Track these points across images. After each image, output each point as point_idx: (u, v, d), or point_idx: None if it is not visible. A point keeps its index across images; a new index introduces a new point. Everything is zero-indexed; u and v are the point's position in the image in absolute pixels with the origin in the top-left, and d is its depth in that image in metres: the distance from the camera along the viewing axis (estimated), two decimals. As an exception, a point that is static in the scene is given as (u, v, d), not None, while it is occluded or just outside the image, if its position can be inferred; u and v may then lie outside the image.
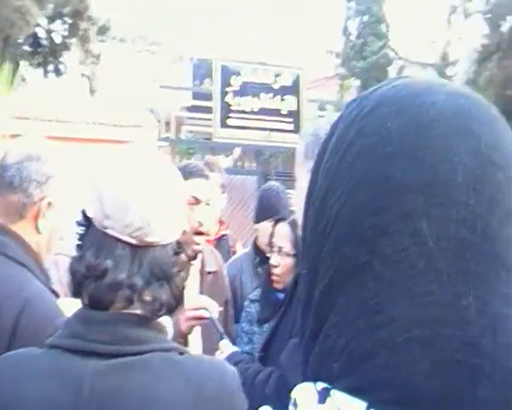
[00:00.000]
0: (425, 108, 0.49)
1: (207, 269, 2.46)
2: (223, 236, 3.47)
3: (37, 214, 1.57)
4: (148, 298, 1.07)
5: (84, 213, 1.11)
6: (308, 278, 0.53)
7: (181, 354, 1.08)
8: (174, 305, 1.11)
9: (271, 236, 2.45)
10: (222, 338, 2.11)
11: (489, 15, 13.93)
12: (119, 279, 1.05)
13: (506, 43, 13.46)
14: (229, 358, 1.84)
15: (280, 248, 2.32)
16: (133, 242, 1.07)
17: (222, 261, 2.74)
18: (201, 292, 2.39)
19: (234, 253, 3.53)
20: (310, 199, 0.55)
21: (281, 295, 2.34)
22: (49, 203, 1.58)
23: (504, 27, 13.81)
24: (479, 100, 0.52)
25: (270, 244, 2.44)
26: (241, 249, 3.74)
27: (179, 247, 1.12)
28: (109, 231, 1.08)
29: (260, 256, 2.94)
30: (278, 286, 2.36)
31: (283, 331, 1.66)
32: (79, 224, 1.11)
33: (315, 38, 21.62)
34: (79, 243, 1.11)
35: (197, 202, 2.31)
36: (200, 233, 2.30)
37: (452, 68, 18.76)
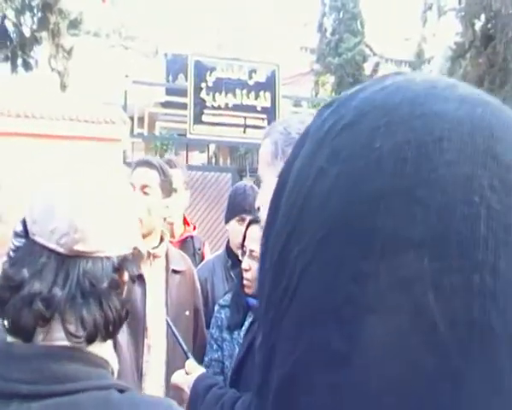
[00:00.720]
0: (429, 122, 0.34)
1: (174, 267, 2.37)
2: (188, 237, 3.31)
3: None
4: (71, 317, 0.92)
5: (23, 221, 0.98)
6: (264, 354, 0.38)
7: (121, 391, 0.93)
8: (106, 330, 0.95)
9: (243, 238, 2.34)
10: (187, 357, 1.99)
11: (462, 13, 14.03)
12: (35, 290, 0.91)
13: (479, 41, 13.56)
14: (199, 381, 1.73)
15: (251, 251, 2.21)
16: (60, 250, 0.94)
17: (191, 264, 2.64)
18: (167, 291, 2.30)
19: (201, 255, 3.40)
20: (266, 244, 0.40)
21: (252, 301, 2.24)
22: None
23: (477, 25, 13.93)
24: (501, 108, 0.36)
25: (242, 247, 2.32)
26: (209, 252, 3.61)
27: (121, 263, 0.98)
28: (36, 238, 0.95)
29: (232, 259, 2.82)
30: (249, 291, 2.25)
31: (253, 356, 1.53)
32: (17, 234, 0.96)
33: (290, 34, 21.57)
34: (12, 254, 0.96)
35: (133, 188, 2.26)
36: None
37: (427, 66, 18.90)
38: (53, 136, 8.38)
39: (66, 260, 0.93)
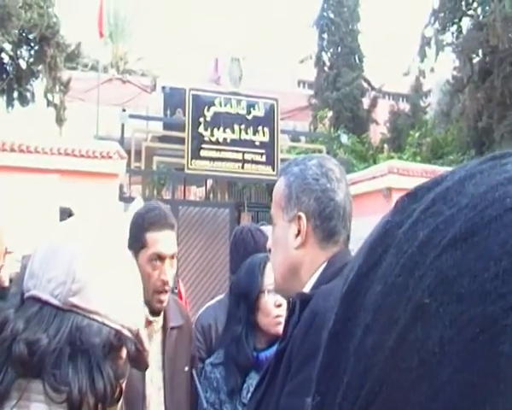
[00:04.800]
0: None
1: (172, 324, 2.17)
2: None
3: None
4: (54, 378, 0.79)
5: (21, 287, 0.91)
6: None
7: None
8: (94, 405, 0.82)
9: (261, 275, 2.17)
10: None
11: (460, 49, 14.09)
12: (17, 329, 0.82)
13: (477, 76, 13.59)
14: None
15: None
16: (54, 301, 0.86)
17: (188, 314, 2.46)
18: (165, 350, 2.11)
19: (177, 294, 3.26)
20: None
21: (263, 355, 2.07)
22: None
23: (475, 60, 13.97)
24: None
25: (257, 286, 2.16)
26: (183, 290, 3.49)
27: (120, 336, 0.89)
28: (31, 293, 0.87)
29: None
30: (281, 330, 2.07)
31: None
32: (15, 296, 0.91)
33: (287, 69, 21.66)
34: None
35: (161, 258, 2.02)
36: (164, 292, 2.03)
37: (425, 100, 18.98)
38: (49, 170, 8.24)
39: (60, 313, 0.85)
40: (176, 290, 3.32)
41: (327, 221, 1.38)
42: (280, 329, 2.08)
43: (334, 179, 1.40)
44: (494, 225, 0.28)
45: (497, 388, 0.25)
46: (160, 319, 2.12)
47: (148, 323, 2.05)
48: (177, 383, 2.10)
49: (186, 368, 2.18)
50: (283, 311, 2.09)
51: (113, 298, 0.89)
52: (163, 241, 2.03)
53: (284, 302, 2.06)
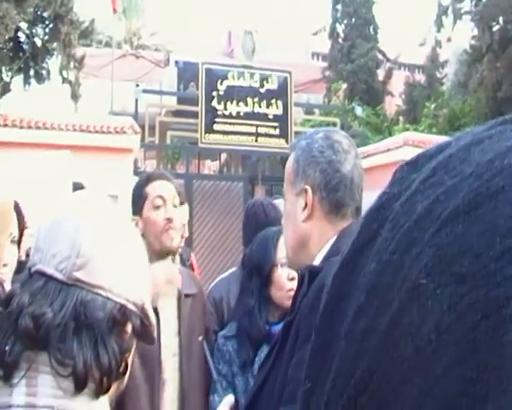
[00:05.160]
0: None
1: (186, 292, 2.20)
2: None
3: None
4: (59, 351, 0.81)
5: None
6: None
7: None
8: (99, 379, 0.83)
9: (274, 248, 2.18)
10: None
11: (478, 17, 13.81)
12: (23, 302, 0.83)
13: (497, 45, 13.33)
14: None
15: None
16: (58, 276, 0.86)
17: (201, 284, 2.50)
18: (179, 317, 2.14)
19: (190, 267, 3.29)
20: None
21: (275, 328, 2.07)
22: None
23: (495, 28, 13.70)
24: None
25: (270, 259, 2.17)
26: (195, 262, 3.51)
27: (125, 311, 0.89)
28: (36, 267, 0.88)
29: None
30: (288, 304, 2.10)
31: (270, 390, 1.36)
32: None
33: (301, 41, 21.46)
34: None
35: (163, 200, 2.11)
36: (170, 228, 2.09)
37: (442, 71, 18.70)
38: (64, 146, 8.33)
39: (64, 287, 0.86)
40: (188, 263, 3.35)
41: (333, 193, 1.38)
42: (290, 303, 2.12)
43: (341, 151, 1.40)
44: (501, 196, 0.25)
45: (500, 384, 0.22)
46: (174, 286, 2.16)
47: (163, 289, 2.09)
48: (192, 351, 2.14)
49: (200, 338, 2.20)
50: (295, 285, 2.12)
51: (118, 273, 0.89)
52: (162, 187, 2.14)
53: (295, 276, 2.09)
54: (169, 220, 2.08)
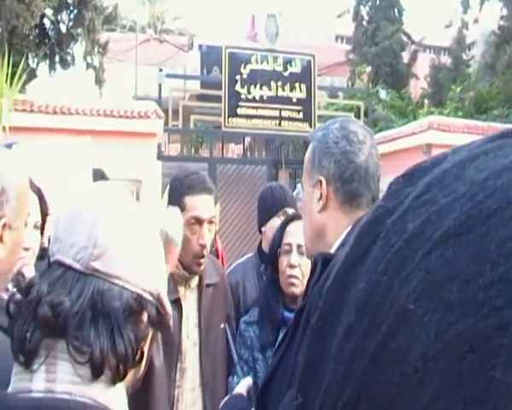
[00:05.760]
0: None
1: (207, 281, 2.22)
2: None
3: None
4: (76, 339, 0.84)
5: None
6: None
7: None
8: (115, 367, 0.86)
9: (280, 234, 2.19)
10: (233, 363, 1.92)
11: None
12: (42, 291, 0.85)
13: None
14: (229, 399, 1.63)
15: (299, 246, 2.07)
16: (76, 266, 0.88)
17: (223, 272, 2.52)
18: (200, 307, 2.17)
19: (215, 252, 3.30)
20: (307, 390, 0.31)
21: (288, 315, 2.08)
22: (5, 224, 1.29)
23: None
24: None
25: (279, 245, 2.18)
26: (221, 246, 3.53)
27: (141, 301, 0.90)
28: (55, 257, 0.90)
29: (266, 263, 2.69)
30: (297, 291, 2.11)
31: (282, 375, 1.40)
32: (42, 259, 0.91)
33: (325, 24, 21.26)
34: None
35: (199, 222, 2.08)
36: (202, 256, 2.09)
37: (468, 52, 18.37)
38: (88, 132, 8.42)
39: (82, 277, 0.88)
40: (213, 248, 3.36)
41: (347, 184, 1.39)
42: (293, 290, 2.12)
43: (356, 141, 1.41)
44: (493, 220, 0.24)
45: None
46: (195, 277, 2.17)
47: (185, 281, 2.13)
48: (212, 340, 2.16)
49: (222, 325, 2.22)
50: (298, 272, 2.12)
51: (134, 263, 0.91)
52: (201, 204, 2.07)
53: (300, 263, 2.09)
54: (202, 247, 2.07)
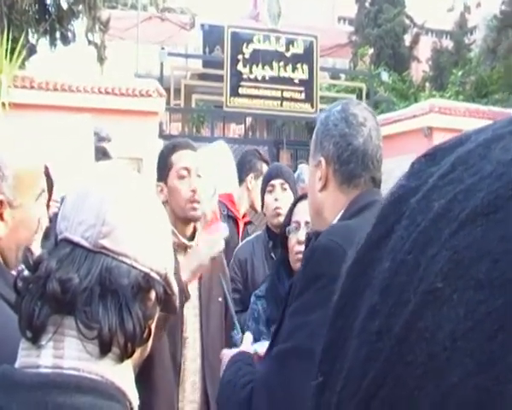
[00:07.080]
0: None
1: None
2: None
3: None
4: (85, 315, 0.84)
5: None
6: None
7: None
8: (123, 344, 0.86)
9: (290, 213, 2.24)
10: (233, 324, 1.98)
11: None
12: (51, 268, 0.86)
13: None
14: (235, 354, 1.67)
15: (307, 223, 2.12)
16: (85, 243, 0.89)
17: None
18: (201, 282, 2.24)
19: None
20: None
21: None
22: (2, 202, 1.24)
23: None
24: None
25: (289, 222, 2.23)
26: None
27: (149, 279, 0.91)
28: (63, 235, 0.90)
29: (274, 240, 2.74)
30: (297, 267, 2.16)
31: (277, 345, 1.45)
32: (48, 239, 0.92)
33: (327, 5, 21.11)
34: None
35: (188, 171, 2.19)
36: (195, 200, 2.18)
37: (470, 37, 18.29)
38: (89, 109, 8.40)
39: (90, 254, 0.88)
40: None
41: (345, 165, 1.45)
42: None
43: (355, 124, 1.46)
44: None
45: None
46: (193, 243, 2.22)
47: (184, 249, 2.19)
48: (212, 311, 2.23)
49: (220, 298, 2.29)
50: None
51: (142, 242, 0.91)
52: (187, 156, 2.22)
53: None
54: (193, 192, 2.17)
